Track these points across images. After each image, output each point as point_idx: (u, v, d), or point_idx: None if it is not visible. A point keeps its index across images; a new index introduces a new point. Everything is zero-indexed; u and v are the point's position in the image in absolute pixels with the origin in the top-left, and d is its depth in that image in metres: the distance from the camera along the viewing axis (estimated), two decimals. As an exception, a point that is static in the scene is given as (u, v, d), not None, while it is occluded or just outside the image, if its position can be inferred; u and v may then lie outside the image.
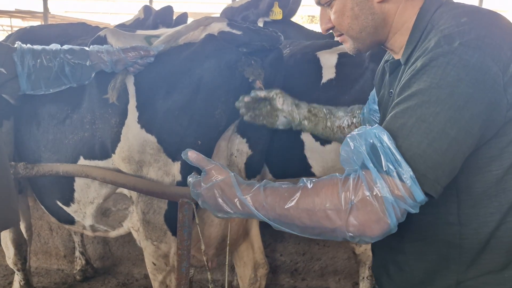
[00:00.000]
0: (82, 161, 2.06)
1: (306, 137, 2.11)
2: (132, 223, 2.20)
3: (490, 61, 0.91)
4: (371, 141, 0.90)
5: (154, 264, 2.12)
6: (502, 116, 0.95)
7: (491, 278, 1.05)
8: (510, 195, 1.01)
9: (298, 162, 2.17)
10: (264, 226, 2.08)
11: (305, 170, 2.16)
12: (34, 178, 2.19)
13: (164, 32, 2.10)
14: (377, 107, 1.42)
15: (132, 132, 1.92)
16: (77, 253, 3.32)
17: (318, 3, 1.17)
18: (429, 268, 1.09)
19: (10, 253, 2.65)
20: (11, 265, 2.71)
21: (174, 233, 2.01)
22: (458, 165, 0.93)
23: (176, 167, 1.92)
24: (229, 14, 2.87)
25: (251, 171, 2.07)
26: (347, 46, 1.20)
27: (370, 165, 0.89)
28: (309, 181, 0.98)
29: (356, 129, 0.96)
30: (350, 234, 0.92)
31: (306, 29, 3.25)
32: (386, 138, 0.89)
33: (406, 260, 1.14)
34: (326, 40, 2.49)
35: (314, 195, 0.94)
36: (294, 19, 3.26)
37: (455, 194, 1.01)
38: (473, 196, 1.02)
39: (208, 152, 1.91)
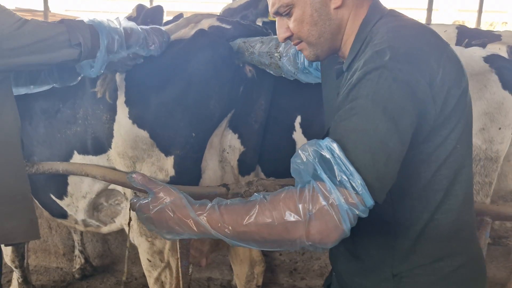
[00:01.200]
0: (76, 155, 2.07)
1: (297, 136, 2.11)
2: (125, 219, 2.20)
3: (418, 75, 0.99)
4: (322, 152, 0.96)
5: (149, 261, 2.13)
6: (429, 125, 1.04)
7: (422, 269, 1.14)
8: (437, 195, 1.11)
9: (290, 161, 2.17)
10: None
11: None
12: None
13: None
14: (307, 65, 1.64)
15: (124, 128, 1.92)
16: (76, 252, 3.32)
17: (276, 13, 1.20)
18: (370, 262, 1.20)
19: (7, 250, 2.66)
20: (8, 263, 2.72)
21: None
22: (396, 172, 1.00)
23: (169, 162, 1.92)
24: (228, 15, 2.88)
25: (245, 168, 2.07)
26: (306, 54, 1.24)
27: (324, 176, 0.94)
28: (264, 196, 1.01)
29: (300, 148, 1.01)
30: (310, 243, 0.96)
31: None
32: (337, 150, 0.95)
33: (352, 253, 1.25)
34: None
35: (272, 210, 0.96)
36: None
37: (389, 196, 1.07)
38: (404, 197, 1.11)
39: (202, 144, 1.92)
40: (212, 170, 1.99)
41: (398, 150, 0.98)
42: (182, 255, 1.90)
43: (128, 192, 2.07)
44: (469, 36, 2.67)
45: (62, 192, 2.16)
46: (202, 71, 1.81)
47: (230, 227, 0.99)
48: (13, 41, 1.49)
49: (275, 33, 1.63)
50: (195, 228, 1.04)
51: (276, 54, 1.74)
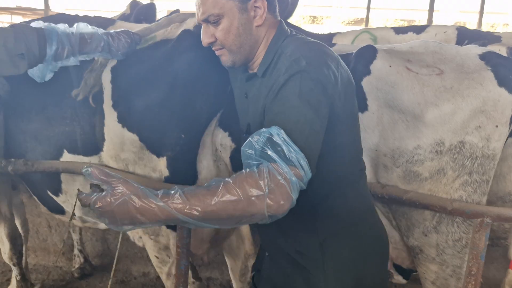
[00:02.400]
0: (66, 154, 2.06)
1: None
2: None
3: (327, 75, 1.27)
4: (273, 138, 1.16)
5: (157, 258, 2.14)
6: (336, 114, 1.31)
7: (341, 234, 1.42)
8: (343, 171, 1.41)
9: None
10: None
11: None
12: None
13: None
14: None
15: (114, 132, 1.92)
16: (76, 251, 3.32)
17: (205, 20, 1.38)
18: (299, 232, 1.43)
19: (5, 248, 2.66)
20: (6, 260, 2.72)
21: (168, 226, 2.03)
22: (319, 150, 1.26)
23: (162, 162, 1.91)
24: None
25: (238, 164, 2.06)
26: (225, 59, 1.44)
27: (277, 157, 1.14)
28: (224, 179, 1.15)
29: (251, 136, 1.20)
30: (269, 213, 1.13)
31: (305, 30, 3.26)
32: (284, 135, 1.17)
33: (284, 231, 1.45)
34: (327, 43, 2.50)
35: (237, 188, 1.12)
36: (296, 19, 3.27)
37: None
38: (318, 179, 1.29)
39: (193, 145, 1.92)
40: (207, 169, 2.00)
41: (321, 133, 1.25)
42: (182, 255, 1.89)
43: None
44: (469, 37, 2.67)
45: (57, 189, 2.17)
46: (187, 73, 1.81)
47: (199, 209, 1.11)
48: None
49: None
50: (160, 215, 1.11)
51: None
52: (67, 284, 3.29)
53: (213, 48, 1.44)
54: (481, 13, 12.70)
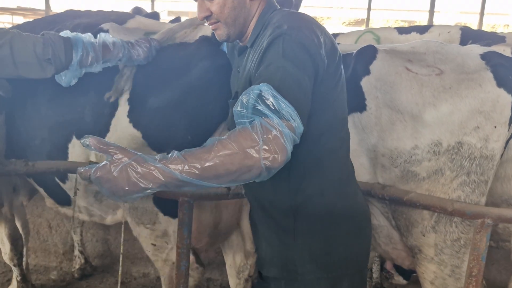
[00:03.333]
0: (74, 140, 2.08)
1: None
2: (124, 214, 2.21)
3: (310, 38, 1.31)
4: (262, 93, 1.19)
5: (154, 245, 2.15)
6: (319, 76, 1.34)
7: (312, 202, 1.46)
8: (322, 137, 1.43)
9: None
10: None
11: None
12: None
13: (160, 27, 2.14)
14: None
15: (121, 125, 1.96)
16: (76, 252, 3.31)
17: None
18: (275, 202, 1.48)
19: (6, 248, 2.67)
20: (7, 261, 2.72)
21: (165, 213, 2.07)
22: (309, 105, 1.30)
23: None
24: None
25: None
26: (220, 33, 1.48)
27: (268, 111, 1.17)
28: (219, 137, 1.17)
29: (241, 96, 1.22)
30: (265, 165, 1.15)
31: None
32: (273, 90, 1.19)
33: (262, 206, 1.53)
34: None
35: (232, 142, 1.14)
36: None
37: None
38: (298, 160, 1.36)
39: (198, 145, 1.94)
40: None
41: (309, 88, 1.29)
42: (182, 255, 1.89)
43: None
44: (472, 37, 2.66)
45: (64, 175, 2.18)
46: (203, 79, 1.88)
47: (197, 165, 1.12)
48: None
49: None
50: (161, 177, 1.11)
51: None
52: (67, 285, 3.28)
53: (208, 23, 1.49)
54: (482, 14, 12.69)
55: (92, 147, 1.13)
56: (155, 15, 3.53)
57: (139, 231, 2.17)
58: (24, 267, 2.83)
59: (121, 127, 1.95)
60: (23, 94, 2.12)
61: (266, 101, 1.18)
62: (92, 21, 2.18)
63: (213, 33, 1.93)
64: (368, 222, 1.61)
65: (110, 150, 1.13)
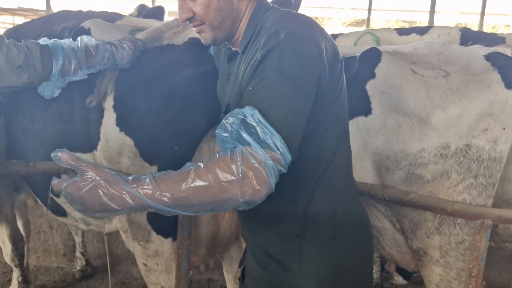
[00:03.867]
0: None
1: None
2: (121, 223, 2.17)
3: (310, 48, 1.18)
4: (246, 119, 1.10)
5: (145, 265, 2.08)
6: (321, 90, 1.22)
7: (320, 226, 1.35)
8: (327, 153, 1.32)
9: None
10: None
11: None
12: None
13: (148, 25, 2.08)
14: None
15: (111, 133, 1.89)
16: (78, 253, 3.33)
17: None
18: (278, 225, 1.37)
19: (7, 249, 2.68)
20: (8, 262, 2.73)
21: (158, 232, 1.98)
22: (303, 130, 1.19)
23: (154, 170, 1.88)
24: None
25: None
26: (205, 36, 1.34)
27: (250, 139, 1.08)
28: (197, 164, 1.10)
29: (224, 118, 1.13)
30: (244, 199, 1.08)
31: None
32: (259, 115, 1.10)
33: (264, 222, 1.40)
34: None
35: (208, 173, 1.07)
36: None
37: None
38: (301, 156, 1.23)
39: (185, 157, 1.86)
40: None
41: (304, 111, 1.18)
42: (183, 256, 1.89)
43: None
44: (472, 38, 2.67)
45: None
46: (185, 87, 1.78)
47: (168, 195, 1.06)
48: None
49: None
50: (130, 201, 1.07)
51: None
52: (68, 285, 3.30)
53: (191, 25, 1.34)
54: (482, 14, 12.68)
55: (63, 162, 1.09)
56: (159, 9, 3.49)
57: (133, 247, 2.10)
58: (24, 268, 2.83)
59: (112, 136, 1.89)
60: (19, 100, 2.10)
61: (250, 128, 1.09)
62: (78, 23, 2.10)
63: None
64: (372, 244, 1.53)
65: (81, 167, 1.09)
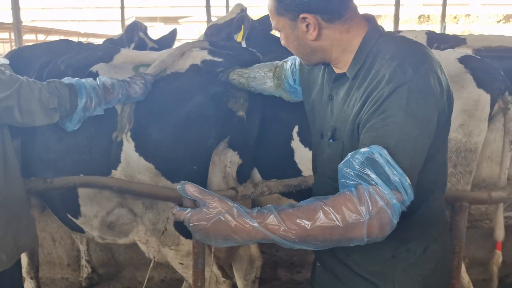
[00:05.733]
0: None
1: (295, 144, 2.31)
2: (138, 237, 2.35)
3: (436, 85, 1.22)
4: (375, 158, 1.11)
5: (182, 264, 2.29)
6: (440, 125, 1.25)
7: (414, 250, 1.36)
8: (431, 184, 1.33)
9: (289, 168, 2.34)
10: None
11: (296, 175, 2.30)
12: (46, 195, 2.35)
13: (150, 58, 2.27)
14: (291, 85, 1.80)
15: (132, 158, 2.10)
16: (83, 262, 3.45)
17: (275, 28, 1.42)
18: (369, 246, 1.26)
19: (23, 262, 2.78)
20: (24, 274, 2.83)
21: (186, 236, 2.20)
22: (420, 168, 1.20)
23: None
24: (214, 30, 3.07)
25: (242, 176, 2.29)
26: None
27: (378, 180, 1.09)
28: (321, 201, 1.12)
29: (350, 155, 1.15)
30: (368, 239, 1.10)
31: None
32: (387, 155, 1.11)
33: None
34: None
35: (335, 213, 1.08)
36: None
37: None
38: (406, 214, 1.21)
39: (204, 172, 2.12)
40: (217, 186, 2.20)
41: (425, 150, 1.19)
42: (199, 254, 2.07)
43: (140, 209, 2.22)
44: (437, 40, 2.93)
45: (76, 212, 2.31)
46: (198, 113, 2.02)
47: (294, 232, 1.09)
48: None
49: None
50: (254, 235, 1.10)
51: (270, 85, 1.92)
52: (74, 294, 3.42)
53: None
54: (444, 5, 13.17)
55: (188, 194, 1.14)
56: (172, 34, 3.75)
57: (165, 252, 2.31)
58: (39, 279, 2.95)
59: (133, 160, 2.09)
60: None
61: (378, 167, 1.10)
62: (81, 61, 2.27)
63: (203, 61, 2.07)
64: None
65: (207, 199, 1.13)
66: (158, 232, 2.22)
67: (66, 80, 1.91)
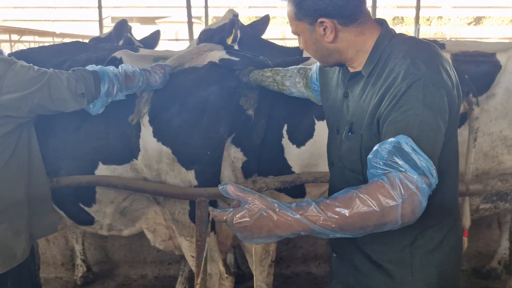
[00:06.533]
0: (101, 166, 2.32)
1: (285, 142, 2.45)
2: (147, 224, 2.47)
3: (447, 79, 1.33)
4: (403, 147, 1.19)
5: (193, 257, 2.40)
6: (452, 116, 1.35)
7: (430, 232, 1.44)
8: (445, 169, 1.38)
9: (280, 164, 2.48)
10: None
11: (287, 171, 2.46)
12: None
13: (168, 53, 2.41)
14: (316, 85, 1.89)
15: (149, 144, 2.23)
16: (79, 261, 3.52)
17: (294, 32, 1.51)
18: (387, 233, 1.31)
19: None
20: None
21: None
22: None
23: (191, 174, 2.25)
24: (208, 35, 3.18)
25: (247, 173, 2.42)
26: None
27: (407, 167, 1.17)
28: (356, 190, 1.18)
29: (377, 145, 1.22)
30: (401, 221, 1.16)
31: (278, 45, 3.62)
32: (413, 143, 1.20)
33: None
34: (295, 57, 2.85)
35: (371, 199, 1.15)
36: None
37: None
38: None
39: (217, 160, 2.27)
40: (228, 179, 2.36)
41: (443, 136, 1.29)
42: (202, 247, 2.19)
43: (161, 198, 2.32)
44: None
45: (91, 200, 2.41)
46: (214, 102, 2.17)
47: (334, 220, 1.14)
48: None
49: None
50: (296, 227, 1.15)
51: (300, 84, 2.02)
52: (70, 293, 3.48)
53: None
54: (418, 7, 13.54)
55: (230, 194, 1.19)
56: (155, 35, 3.83)
57: (180, 242, 2.44)
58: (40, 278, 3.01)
59: (150, 146, 2.21)
60: (49, 118, 2.29)
61: (406, 155, 1.18)
62: (101, 56, 2.41)
63: (221, 59, 2.23)
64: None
65: (248, 198, 1.17)
66: (175, 221, 2.35)
67: (90, 67, 2.04)
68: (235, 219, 1.16)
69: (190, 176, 2.24)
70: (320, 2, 1.36)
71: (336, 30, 1.40)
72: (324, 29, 1.40)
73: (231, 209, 1.19)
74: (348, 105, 1.49)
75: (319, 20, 1.38)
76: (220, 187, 1.21)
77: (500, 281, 3.42)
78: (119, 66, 2.09)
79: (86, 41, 3.50)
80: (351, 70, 1.50)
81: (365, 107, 1.40)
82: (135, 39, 3.93)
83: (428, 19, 23.08)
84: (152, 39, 4.03)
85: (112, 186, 2.30)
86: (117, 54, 2.33)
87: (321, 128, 2.42)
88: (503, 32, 23.33)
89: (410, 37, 1.47)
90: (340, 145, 1.52)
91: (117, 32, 3.75)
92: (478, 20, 26.30)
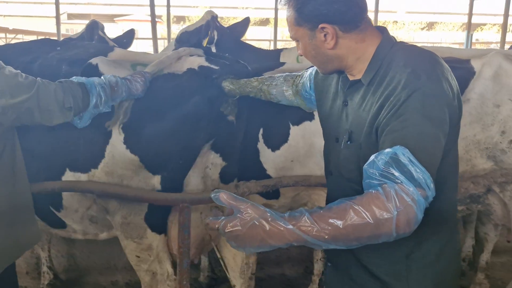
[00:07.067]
0: (68, 172, 2.23)
1: (260, 146, 2.47)
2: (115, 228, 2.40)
3: (447, 89, 1.31)
4: (400, 158, 1.17)
5: (138, 257, 2.36)
6: (452, 127, 1.32)
7: (425, 246, 1.41)
8: (442, 182, 1.34)
9: (255, 167, 2.51)
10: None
11: (262, 173, 2.48)
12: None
13: (148, 58, 2.35)
14: (308, 93, 1.86)
15: (118, 151, 2.14)
16: (45, 268, 3.36)
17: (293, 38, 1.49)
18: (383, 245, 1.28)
19: None
20: None
21: (153, 229, 2.29)
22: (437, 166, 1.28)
23: (156, 179, 2.20)
24: (185, 37, 3.14)
25: (227, 177, 2.40)
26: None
27: (403, 178, 1.15)
28: (350, 201, 1.16)
29: (374, 156, 1.21)
30: (396, 234, 1.14)
31: (257, 48, 3.62)
32: (410, 155, 1.18)
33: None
34: (274, 62, 2.86)
35: (365, 211, 1.13)
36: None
37: None
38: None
39: (188, 166, 2.23)
40: (194, 185, 2.30)
41: (442, 149, 1.27)
42: (184, 254, 2.15)
43: (114, 205, 2.26)
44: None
45: (59, 205, 2.32)
46: (194, 112, 2.12)
47: (327, 232, 1.13)
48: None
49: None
50: (289, 237, 1.13)
51: (289, 92, 1.98)
52: (36, 302, 3.33)
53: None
54: (376, 11, 13.93)
55: (222, 202, 1.17)
56: (130, 34, 3.72)
57: (126, 244, 2.36)
58: None
59: (118, 152, 2.13)
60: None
61: (402, 166, 1.16)
62: (74, 55, 2.30)
63: (200, 66, 2.17)
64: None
65: (241, 206, 1.15)
66: (125, 224, 2.29)
67: (75, 79, 1.97)
68: (227, 228, 1.14)
69: (155, 181, 2.20)
70: (321, 7, 1.35)
71: (337, 36, 1.38)
72: (325, 35, 1.38)
73: (223, 217, 1.17)
74: (348, 114, 1.46)
75: (320, 25, 1.37)
76: (212, 194, 1.18)
77: (465, 278, 3.55)
78: (103, 77, 2.02)
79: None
80: (351, 78, 1.48)
81: (364, 115, 1.37)
82: (108, 38, 3.82)
83: (384, 23, 23.80)
84: (126, 38, 3.93)
85: (88, 191, 2.21)
86: (93, 60, 2.22)
87: (296, 133, 2.47)
88: (454, 37, 24.42)
89: (411, 45, 1.46)
90: (338, 154, 1.50)
91: (88, 33, 3.65)
92: (430, 25, 27.36)
